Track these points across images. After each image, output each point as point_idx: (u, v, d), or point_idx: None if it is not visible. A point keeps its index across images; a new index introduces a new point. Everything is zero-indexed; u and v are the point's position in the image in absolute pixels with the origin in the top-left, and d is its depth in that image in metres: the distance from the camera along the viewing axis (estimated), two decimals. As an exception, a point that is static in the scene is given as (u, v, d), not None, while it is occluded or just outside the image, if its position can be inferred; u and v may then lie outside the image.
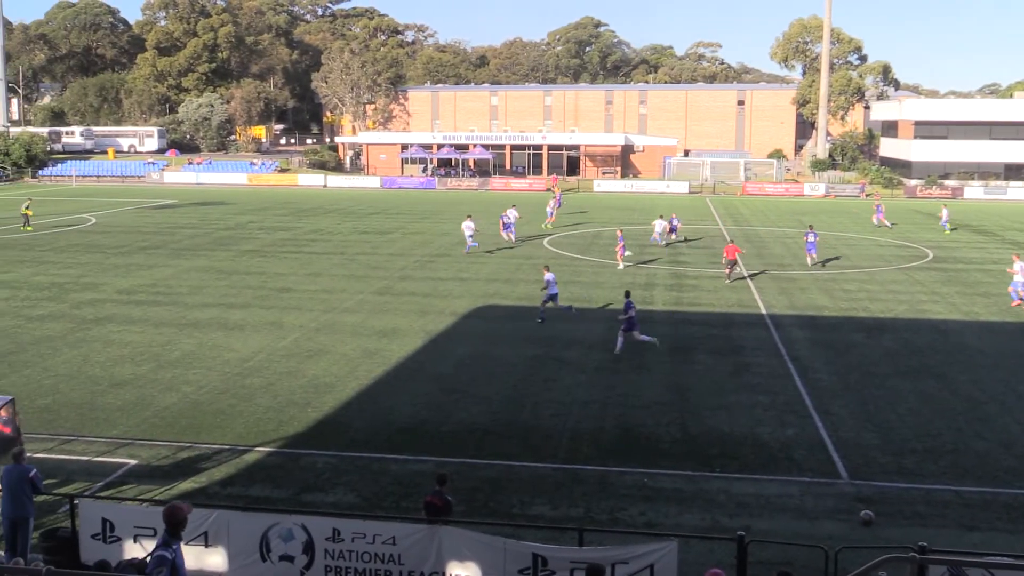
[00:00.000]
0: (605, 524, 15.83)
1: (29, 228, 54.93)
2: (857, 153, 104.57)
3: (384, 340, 28.36)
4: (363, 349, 27.30)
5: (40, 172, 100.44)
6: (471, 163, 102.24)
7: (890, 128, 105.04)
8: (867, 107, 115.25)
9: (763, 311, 32.94)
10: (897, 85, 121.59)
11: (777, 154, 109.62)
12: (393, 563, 12.89)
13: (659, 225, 49.73)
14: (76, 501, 13.90)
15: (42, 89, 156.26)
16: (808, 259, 43.15)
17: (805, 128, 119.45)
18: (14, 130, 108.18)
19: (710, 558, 14.35)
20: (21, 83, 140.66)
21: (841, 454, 19.20)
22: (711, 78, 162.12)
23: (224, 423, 20.86)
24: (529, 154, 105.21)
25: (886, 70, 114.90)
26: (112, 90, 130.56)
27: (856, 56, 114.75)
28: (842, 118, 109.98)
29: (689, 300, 34.83)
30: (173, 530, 10.43)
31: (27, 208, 56.41)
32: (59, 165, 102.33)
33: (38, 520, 14.84)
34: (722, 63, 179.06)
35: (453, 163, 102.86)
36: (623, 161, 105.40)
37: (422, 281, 38.39)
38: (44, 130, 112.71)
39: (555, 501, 16.91)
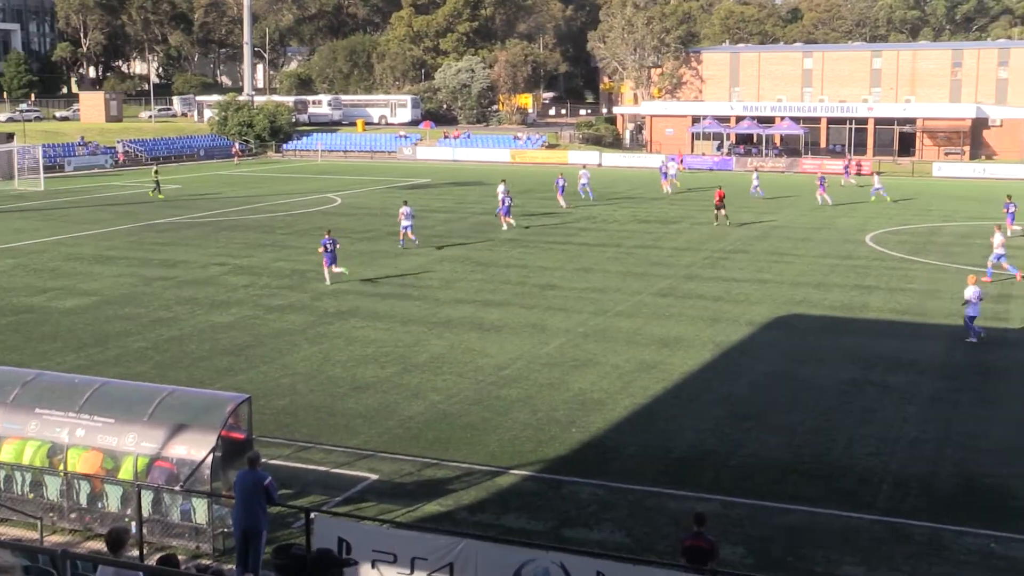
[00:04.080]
0: (936, 596, 15.10)
1: (161, 195, 64.56)
2: None
3: (665, 351, 28.39)
4: (639, 361, 27.44)
5: (284, 146, 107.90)
6: (776, 139, 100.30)
7: None
8: None
9: None
10: None
11: None
12: (667, 619, 12.84)
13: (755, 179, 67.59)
14: (312, 515, 14.80)
15: (288, 53, 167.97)
16: (1009, 230, 47.90)
17: None
18: (258, 99, 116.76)
19: (1077, 651, 13.35)
20: (267, 47, 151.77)
21: None
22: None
23: (475, 439, 21.58)
24: (850, 129, 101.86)
25: None
26: (363, 54, 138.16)
27: None
28: None
29: (1058, 318, 32.57)
30: None
31: (156, 173, 66.94)
32: (304, 139, 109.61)
33: (270, 534, 15.94)
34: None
35: (755, 139, 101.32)
36: (973, 139, 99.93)
37: (713, 282, 38.10)
38: (290, 99, 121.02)
39: (871, 561, 16.34)
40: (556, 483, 19.38)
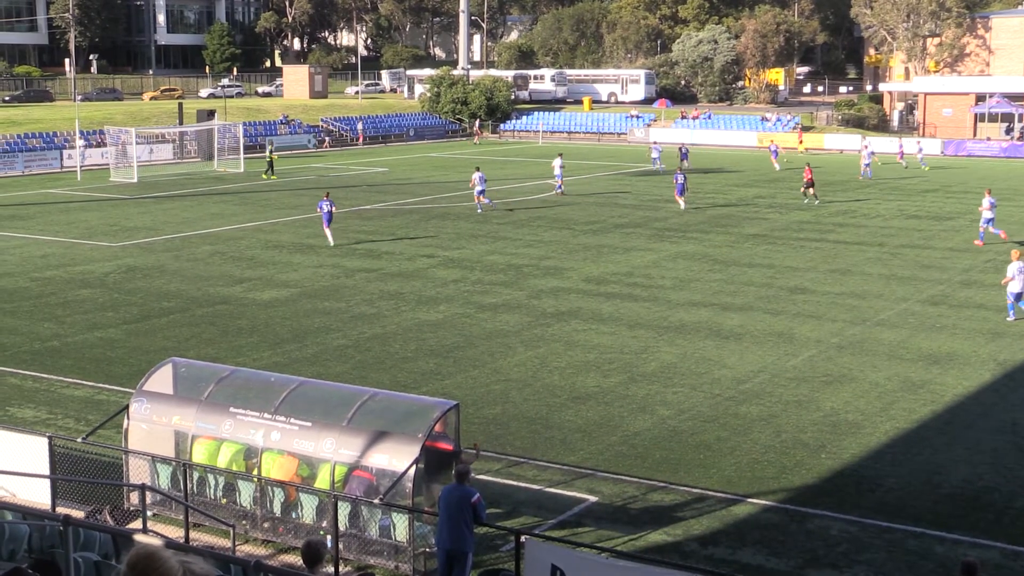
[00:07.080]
0: None
1: (274, 176, 69.44)
2: None
3: (935, 369, 27.63)
4: (903, 379, 26.80)
5: (501, 126, 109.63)
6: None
7: None
8: None
9: None
10: None
11: None
12: None
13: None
14: (523, 539, 15.02)
15: (509, 22, 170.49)
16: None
17: None
18: (474, 73, 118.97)
19: None
20: (485, 15, 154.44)
21: None
22: None
23: (709, 461, 21.48)
24: None
25: None
26: (591, 23, 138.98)
27: None
28: None
29: None
30: None
31: (271, 153, 72.23)
32: (524, 118, 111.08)
33: (477, 557, 16.28)
34: None
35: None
36: None
37: (995, 289, 36.75)
38: (509, 74, 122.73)
39: None
40: (801, 516, 19.12)
